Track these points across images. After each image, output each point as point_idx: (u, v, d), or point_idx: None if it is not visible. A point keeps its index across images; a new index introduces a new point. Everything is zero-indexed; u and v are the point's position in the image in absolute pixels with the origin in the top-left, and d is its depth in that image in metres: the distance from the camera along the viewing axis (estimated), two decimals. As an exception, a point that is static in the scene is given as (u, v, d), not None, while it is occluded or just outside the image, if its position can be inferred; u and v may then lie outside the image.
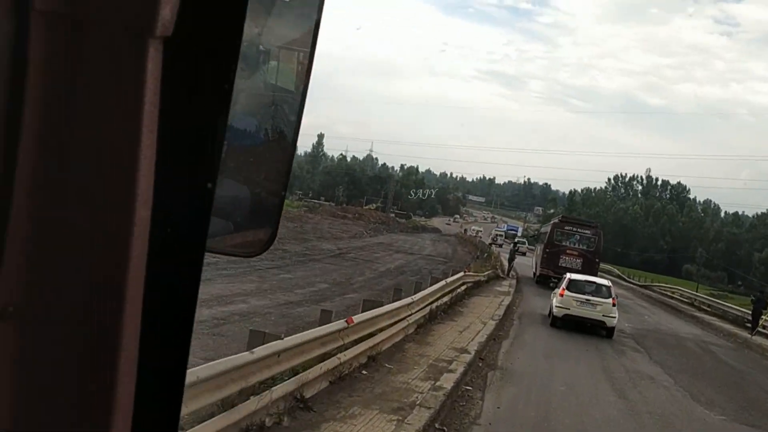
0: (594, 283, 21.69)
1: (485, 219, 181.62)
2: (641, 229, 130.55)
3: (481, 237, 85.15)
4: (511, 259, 40.51)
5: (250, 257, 1.13)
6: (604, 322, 20.09)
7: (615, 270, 68.08)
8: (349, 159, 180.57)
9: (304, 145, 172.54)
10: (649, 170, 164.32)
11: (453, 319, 17.08)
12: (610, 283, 22.08)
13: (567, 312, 20.36)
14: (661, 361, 17.69)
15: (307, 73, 1.03)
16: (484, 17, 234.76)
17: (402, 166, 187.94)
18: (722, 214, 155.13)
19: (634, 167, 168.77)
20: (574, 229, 38.65)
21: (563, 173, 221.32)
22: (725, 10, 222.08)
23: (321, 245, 39.70)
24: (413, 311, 13.33)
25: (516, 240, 64.70)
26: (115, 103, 0.71)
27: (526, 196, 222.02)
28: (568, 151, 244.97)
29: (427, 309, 15.00)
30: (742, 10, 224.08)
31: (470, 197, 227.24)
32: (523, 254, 53.33)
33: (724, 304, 38.21)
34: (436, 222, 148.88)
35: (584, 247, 37.36)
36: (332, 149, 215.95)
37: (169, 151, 0.78)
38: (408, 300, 13.32)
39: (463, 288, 21.61)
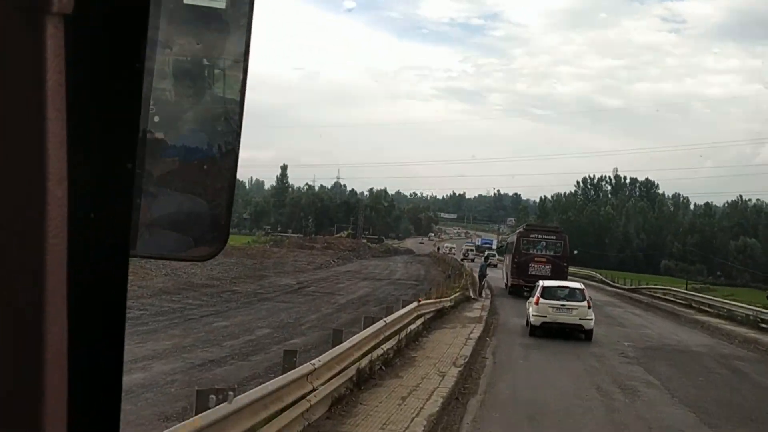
0: (567, 287, 21.82)
1: (458, 235, 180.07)
2: (616, 229, 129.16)
3: (454, 254, 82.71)
4: (482, 276, 37.01)
5: (201, 261, 1.22)
6: (581, 326, 20.04)
7: (597, 275, 65.47)
8: (316, 188, 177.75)
9: (269, 178, 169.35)
10: (616, 170, 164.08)
11: (398, 375, 12.35)
12: (583, 286, 22.08)
13: (544, 320, 20.30)
14: (686, 397, 13.35)
15: (242, 84, 1.07)
16: (439, 37, 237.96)
17: (371, 190, 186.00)
18: (692, 207, 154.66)
19: (601, 168, 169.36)
20: (540, 236, 38.61)
21: (532, 181, 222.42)
22: (670, 8, 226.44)
23: (279, 281, 36.62)
24: (317, 384, 8.32)
25: (486, 253, 64.05)
26: (11, 85, 0.68)
27: (497, 209, 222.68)
28: (535, 158, 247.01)
29: (352, 370, 10.20)
30: (686, 7, 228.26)
31: (442, 215, 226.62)
32: (495, 266, 53.04)
33: (728, 303, 33.40)
34: (410, 243, 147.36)
35: (551, 253, 37.24)
36: (299, 179, 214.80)
37: (82, 134, 0.76)
38: (304, 369, 8.05)
39: (419, 322, 17.30)
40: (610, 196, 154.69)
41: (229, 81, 1.07)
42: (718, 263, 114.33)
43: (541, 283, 21.99)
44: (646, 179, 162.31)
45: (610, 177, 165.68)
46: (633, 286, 54.40)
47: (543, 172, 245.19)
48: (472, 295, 32.84)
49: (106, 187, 0.80)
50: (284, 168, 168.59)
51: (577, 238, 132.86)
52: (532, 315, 20.65)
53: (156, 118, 0.98)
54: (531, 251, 37.24)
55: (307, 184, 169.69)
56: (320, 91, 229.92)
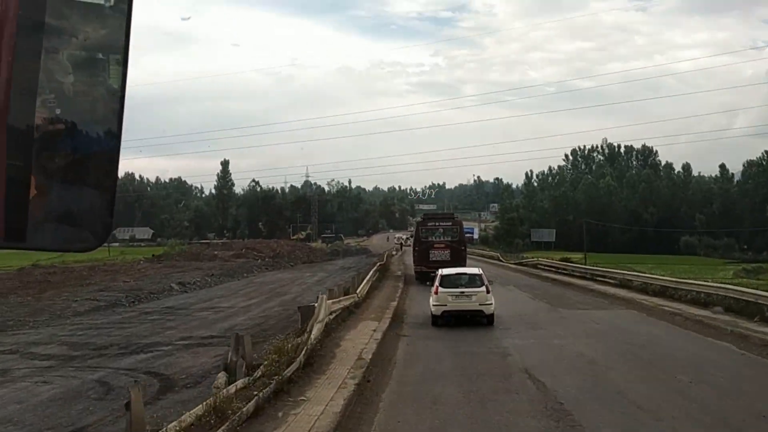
0: (466, 274, 21.44)
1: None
2: (618, 203, 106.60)
3: (403, 243, 76.94)
4: None
5: (85, 252, 1.26)
6: (482, 311, 19.67)
7: (615, 273, 37.15)
8: (287, 189, 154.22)
9: (240, 186, 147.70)
10: (605, 140, 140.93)
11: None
12: (480, 271, 21.43)
13: (444, 308, 19.79)
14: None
15: (123, 76, 1.08)
16: (408, 32, 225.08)
17: (338, 183, 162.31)
18: (695, 173, 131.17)
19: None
20: (437, 224, 40.14)
21: (512, 166, 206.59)
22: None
23: None
24: None
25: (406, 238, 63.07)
26: None
27: (479, 195, 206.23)
28: (514, 142, 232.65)
29: None
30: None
31: (420, 206, 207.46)
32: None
33: None
34: (376, 240, 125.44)
35: (449, 239, 38.17)
36: (273, 182, 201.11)
37: None
38: None
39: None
40: (605, 167, 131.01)
41: (110, 75, 1.07)
42: (748, 235, 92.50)
43: (439, 272, 21.38)
44: (643, 146, 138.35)
45: (602, 147, 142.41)
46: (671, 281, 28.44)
47: (523, 156, 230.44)
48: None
49: None
50: (225, 164, 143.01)
51: (572, 217, 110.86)
52: (433, 305, 20.09)
53: (42, 111, 1.00)
54: (430, 238, 38.27)
55: (254, 180, 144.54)
56: (295, 94, 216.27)
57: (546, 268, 47.52)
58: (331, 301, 14.35)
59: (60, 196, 1.06)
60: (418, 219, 44.54)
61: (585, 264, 45.38)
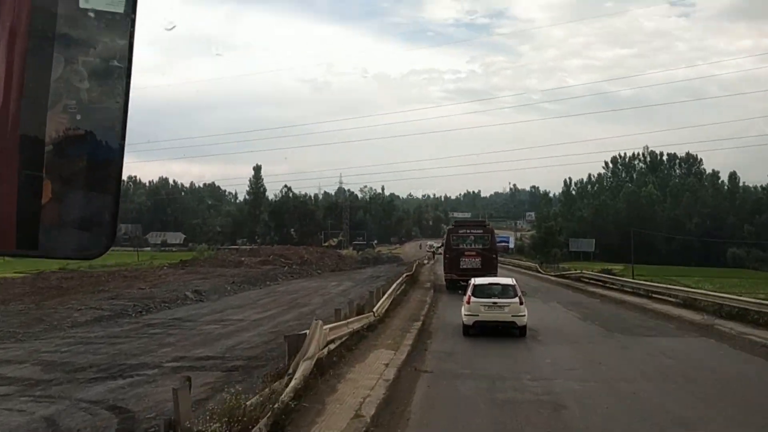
0: (499, 284, 20.76)
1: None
2: (661, 213, 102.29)
3: (435, 251, 74.09)
4: None
5: (89, 260, 1.29)
6: (514, 323, 19.11)
7: (676, 290, 33.05)
8: (320, 196, 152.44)
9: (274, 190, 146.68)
10: (647, 147, 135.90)
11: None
12: (514, 282, 20.74)
13: (476, 318, 19.30)
14: None
15: (127, 83, 1.14)
16: (444, 39, 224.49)
17: (371, 189, 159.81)
18: (740, 183, 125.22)
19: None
20: (468, 231, 39.40)
21: (549, 174, 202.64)
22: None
23: None
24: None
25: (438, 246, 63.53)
26: None
27: (515, 204, 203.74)
28: (550, 152, 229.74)
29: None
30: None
31: (455, 214, 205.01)
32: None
33: None
34: (408, 247, 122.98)
35: (480, 246, 37.58)
36: (305, 188, 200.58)
37: None
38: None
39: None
40: (647, 175, 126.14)
41: (114, 84, 1.12)
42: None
43: (472, 281, 20.74)
44: (687, 154, 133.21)
45: (643, 154, 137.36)
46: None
47: (559, 163, 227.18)
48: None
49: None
50: (257, 169, 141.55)
51: (613, 227, 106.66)
52: (464, 314, 19.60)
53: (53, 119, 1.04)
54: (461, 246, 37.76)
55: (286, 185, 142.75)
56: (330, 102, 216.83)
57: (591, 281, 43.63)
58: (331, 326, 11.53)
59: (70, 202, 1.09)
60: (450, 226, 43.75)
61: (633, 277, 42.13)
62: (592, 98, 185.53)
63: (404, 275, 37.38)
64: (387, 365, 12.64)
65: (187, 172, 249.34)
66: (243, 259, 61.43)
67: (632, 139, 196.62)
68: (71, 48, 1.09)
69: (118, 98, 1.11)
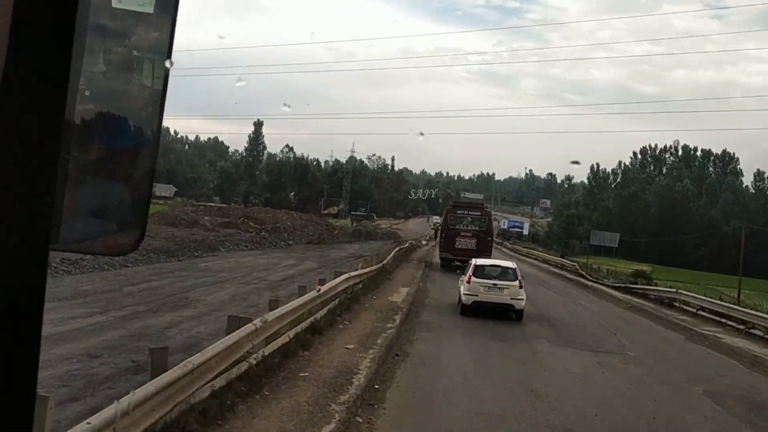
0: (500, 266, 21.13)
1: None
2: (695, 212, 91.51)
3: (438, 228, 66.28)
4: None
5: (120, 256, 1.33)
6: (512, 305, 19.48)
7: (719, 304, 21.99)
8: (331, 163, 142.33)
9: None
10: (677, 141, 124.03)
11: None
12: (515, 265, 21.14)
13: (475, 299, 19.64)
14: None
15: (165, 77, 1.12)
16: (473, 19, 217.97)
17: (379, 158, 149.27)
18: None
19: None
20: (466, 212, 39.86)
21: (566, 161, 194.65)
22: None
23: None
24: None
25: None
26: None
27: (530, 190, 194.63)
28: (569, 141, 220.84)
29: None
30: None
31: (466, 194, 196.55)
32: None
33: None
34: (413, 223, 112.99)
35: (476, 228, 37.86)
36: (317, 153, 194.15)
37: (7, 123, 0.79)
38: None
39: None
40: (680, 169, 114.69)
41: (154, 73, 1.10)
42: None
43: (473, 261, 21.20)
44: (723, 151, 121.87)
45: (675, 148, 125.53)
46: None
47: (579, 154, 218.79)
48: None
49: (31, 177, 0.76)
50: (258, 125, 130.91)
51: (642, 221, 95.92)
52: (464, 294, 19.92)
53: (81, 106, 1.01)
54: (458, 226, 38.01)
55: (287, 145, 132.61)
56: (353, 72, 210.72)
57: (701, 313, 25.02)
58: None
59: (99, 194, 1.05)
60: (448, 206, 44.04)
61: (738, 302, 28.91)
62: (617, 92, 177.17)
63: (364, 272, 22.25)
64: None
65: (193, 129, 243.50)
66: (205, 219, 51.60)
67: (656, 135, 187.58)
68: (106, 40, 1.04)
69: (155, 86, 1.07)
